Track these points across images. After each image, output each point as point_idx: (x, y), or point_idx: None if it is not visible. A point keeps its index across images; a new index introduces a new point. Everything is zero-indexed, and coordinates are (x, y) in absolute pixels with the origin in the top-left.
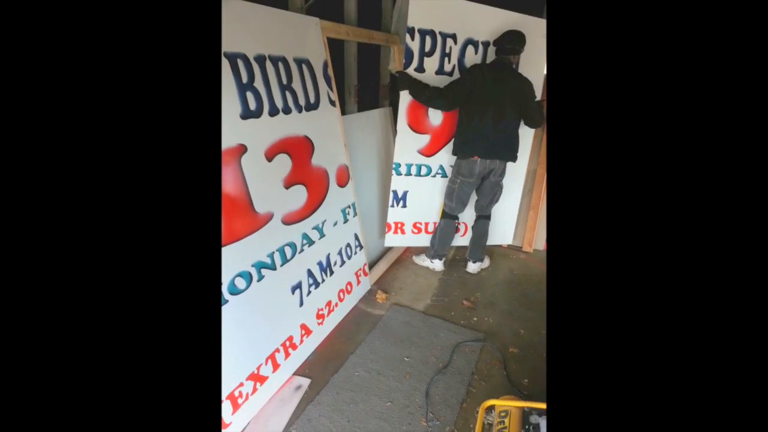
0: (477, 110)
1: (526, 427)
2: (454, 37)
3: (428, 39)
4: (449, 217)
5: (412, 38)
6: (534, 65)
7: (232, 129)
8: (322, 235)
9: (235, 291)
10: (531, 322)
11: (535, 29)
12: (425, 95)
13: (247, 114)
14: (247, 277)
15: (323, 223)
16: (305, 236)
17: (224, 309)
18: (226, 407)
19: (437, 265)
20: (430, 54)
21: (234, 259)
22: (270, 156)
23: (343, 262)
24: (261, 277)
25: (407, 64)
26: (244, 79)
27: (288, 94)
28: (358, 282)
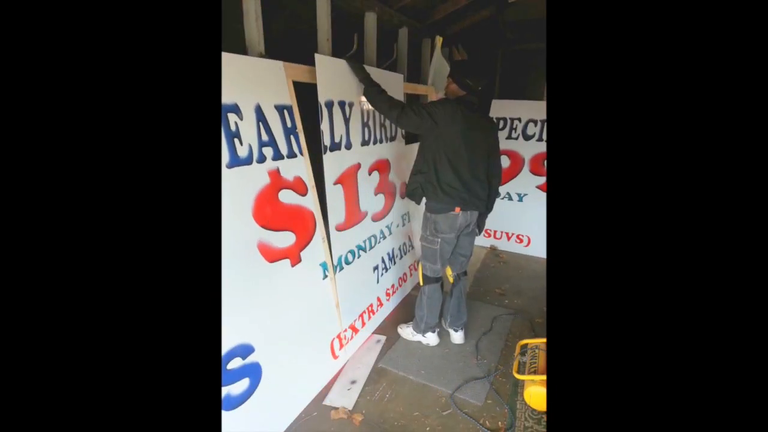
0: (450, 154)
1: None
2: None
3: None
4: (434, 281)
5: None
6: None
7: (354, 153)
8: (390, 233)
9: (348, 262)
10: None
11: None
12: (393, 113)
13: (363, 142)
14: (354, 253)
15: (391, 224)
16: (381, 231)
17: (339, 275)
18: (335, 344)
19: (431, 339)
20: None
21: (348, 240)
22: (370, 171)
23: (401, 256)
24: (359, 256)
25: None
26: (365, 119)
27: (381, 129)
28: (410, 274)
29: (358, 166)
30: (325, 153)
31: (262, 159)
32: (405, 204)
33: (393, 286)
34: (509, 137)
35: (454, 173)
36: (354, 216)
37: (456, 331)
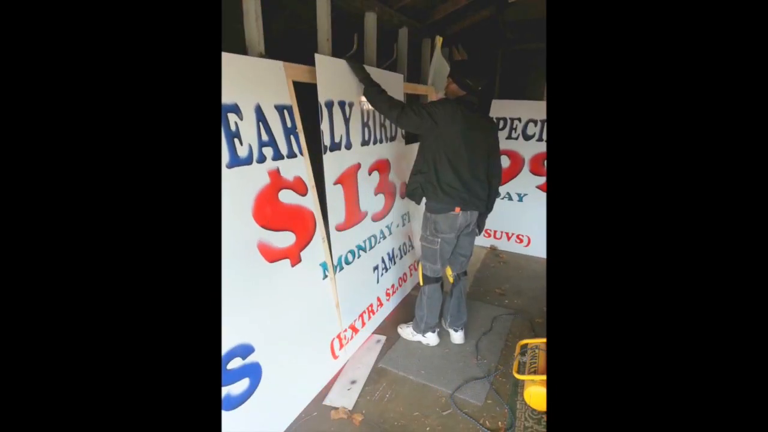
0: (450, 154)
1: None
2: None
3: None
4: (434, 281)
5: None
6: None
7: (354, 153)
8: (390, 233)
9: (348, 262)
10: None
11: None
12: (393, 113)
13: (363, 142)
14: (354, 253)
15: (391, 224)
16: (381, 232)
17: (339, 275)
18: (335, 344)
19: (431, 339)
20: None
21: (348, 240)
22: (370, 171)
23: (402, 256)
24: (359, 256)
25: None
26: (365, 119)
27: (381, 129)
28: (410, 275)
29: (358, 166)
30: (325, 153)
31: (262, 159)
32: (405, 204)
33: (393, 286)
34: (509, 137)
35: (454, 173)
36: (354, 216)
37: (456, 331)
